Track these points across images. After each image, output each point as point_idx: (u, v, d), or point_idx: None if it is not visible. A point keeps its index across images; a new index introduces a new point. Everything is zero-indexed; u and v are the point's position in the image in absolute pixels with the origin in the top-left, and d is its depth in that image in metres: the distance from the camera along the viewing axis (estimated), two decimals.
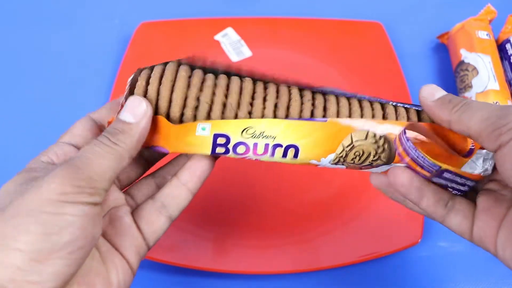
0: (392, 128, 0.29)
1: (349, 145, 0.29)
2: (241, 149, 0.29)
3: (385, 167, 0.30)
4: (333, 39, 0.55)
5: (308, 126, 0.29)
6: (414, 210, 0.30)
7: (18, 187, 0.23)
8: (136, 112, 0.26)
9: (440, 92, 0.28)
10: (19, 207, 0.22)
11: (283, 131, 0.29)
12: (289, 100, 0.30)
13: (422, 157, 0.27)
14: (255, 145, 0.28)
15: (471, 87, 0.48)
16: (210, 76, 0.30)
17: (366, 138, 0.29)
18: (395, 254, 0.42)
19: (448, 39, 0.54)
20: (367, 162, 0.29)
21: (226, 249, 0.41)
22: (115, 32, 0.56)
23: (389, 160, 0.29)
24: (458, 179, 0.27)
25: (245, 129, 0.28)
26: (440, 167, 0.27)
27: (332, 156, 0.29)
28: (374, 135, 0.29)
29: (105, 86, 0.52)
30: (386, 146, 0.29)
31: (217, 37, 0.55)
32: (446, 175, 0.27)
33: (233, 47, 0.54)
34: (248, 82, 0.30)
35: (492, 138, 0.23)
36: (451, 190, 0.28)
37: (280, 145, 0.29)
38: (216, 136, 0.28)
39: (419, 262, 0.43)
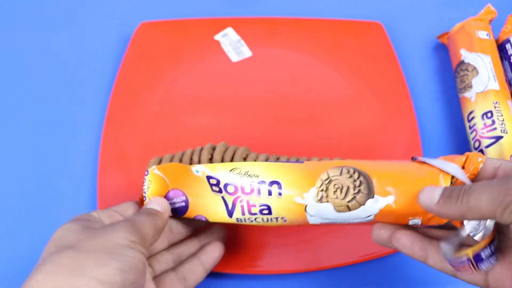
0: (366, 163, 0.32)
1: (326, 179, 0.31)
2: (230, 188, 0.33)
3: (371, 203, 0.31)
4: (333, 39, 0.55)
5: (287, 167, 0.33)
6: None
7: (83, 230, 0.29)
8: (162, 205, 0.33)
9: (437, 191, 0.28)
10: (96, 245, 0.27)
11: (265, 170, 0.32)
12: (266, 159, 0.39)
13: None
14: (242, 183, 0.33)
15: (471, 87, 0.48)
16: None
17: (341, 174, 0.31)
18: (395, 254, 0.42)
19: (448, 39, 0.54)
20: (350, 196, 0.31)
21: (225, 250, 0.41)
22: (115, 32, 0.56)
23: (370, 192, 0.31)
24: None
25: (231, 169, 0.33)
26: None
27: (313, 191, 0.31)
28: (348, 171, 0.31)
29: (105, 86, 0.52)
30: (361, 178, 0.31)
31: (217, 37, 0.55)
32: (483, 254, 0.27)
33: (233, 47, 0.54)
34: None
35: (505, 216, 0.24)
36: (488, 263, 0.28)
37: (264, 182, 0.32)
38: (208, 178, 0.34)
39: (419, 262, 0.42)
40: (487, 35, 0.51)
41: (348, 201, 0.31)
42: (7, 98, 0.52)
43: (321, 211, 0.31)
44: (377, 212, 0.31)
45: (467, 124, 0.48)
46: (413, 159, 0.32)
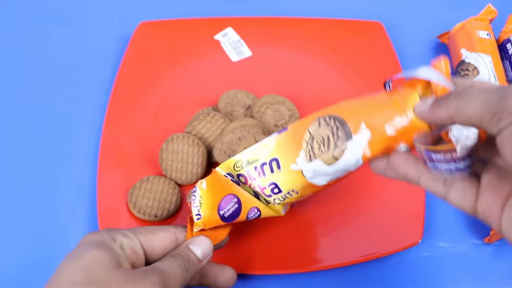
0: (337, 107, 0.32)
1: (309, 137, 0.32)
2: (242, 179, 0.35)
3: (352, 145, 0.30)
4: (333, 39, 0.55)
5: (277, 140, 0.34)
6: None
7: (114, 269, 0.28)
8: (205, 252, 0.33)
9: (431, 99, 0.28)
10: None
11: (261, 151, 0.34)
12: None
13: (405, 146, 0.29)
14: (248, 172, 0.35)
15: None
16: None
17: (319, 125, 0.32)
18: (395, 254, 0.42)
19: (449, 39, 0.54)
20: (332, 146, 0.31)
21: (224, 250, 0.41)
22: (115, 32, 0.56)
23: (347, 133, 0.30)
24: (442, 157, 0.27)
25: (234, 164, 0.35)
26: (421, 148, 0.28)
27: (302, 153, 0.32)
28: (325, 120, 0.32)
29: (105, 85, 0.52)
30: (337, 123, 0.31)
31: (217, 36, 0.55)
32: (434, 156, 0.27)
33: (233, 46, 0.54)
34: None
35: (493, 123, 0.22)
36: (450, 172, 0.27)
37: (264, 163, 0.34)
38: (226, 175, 0.36)
39: (419, 262, 0.42)
40: (487, 34, 0.51)
41: (333, 151, 0.31)
42: (6, 97, 0.52)
43: (316, 170, 0.32)
44: (361, 153, 0.30)
45: None
46: (385, 84, 0.32)
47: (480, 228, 0.44)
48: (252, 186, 0.35)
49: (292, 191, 0.34)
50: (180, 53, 0.54)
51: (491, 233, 0.42)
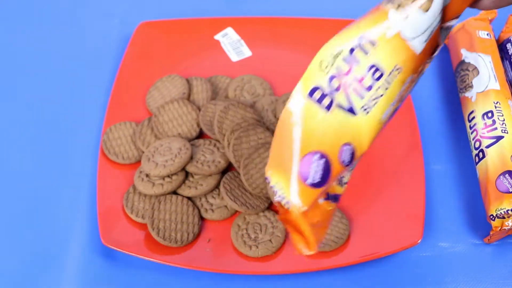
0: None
1: None
2: (335, 83, 0.28)
3: None
4: None
5: (354, 23, 0.29)
6: None
7: None
8: None
9: None
10: None
11: (340, 40, 0.29)
12: None
13: None
14: (339, 68, 0.28)
15: (471, 87, 0.48)
16: None
17: None
18: (395, 254, 0.42)
19: (449, 38, 0.54)
20: None
21: (225, 250, 0.41)
22: (115, 32, 0.56)
23: None
24: None
25: (319, 64, 0.29)
26: None
27: (390, 8, 0.28)
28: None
29: (105, 85, 0.52)
30: None
31: (217, 37, 0.55)
32: None
33: (233, 47, 0.54)
34: None
35: None
36: None
37: (352, 49, 0.28)
38: (311, 93, 0.29)
39: (419, 262, 0.42)
40: (487, 34, 0.51)
41: None
42: (7, 97, 0.52)
43: (413, 23, 0.28)
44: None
45: (467, 124, 0.48)
46: None
47: (480, 228, 0.44)
48: (343, 88, 0.28)
49: (396, 69, 0.28)
50: (180, 53, 0.54)
51: (491, 233, 0.42)
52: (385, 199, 0.44)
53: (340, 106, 0.28)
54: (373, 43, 0.28)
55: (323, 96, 0.28)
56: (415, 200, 0.43)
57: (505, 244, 0.44)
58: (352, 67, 0.28)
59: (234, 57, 0.53)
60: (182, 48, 0.54)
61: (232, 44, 0.54)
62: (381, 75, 0.28)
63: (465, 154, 0.48)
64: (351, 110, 0.29)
